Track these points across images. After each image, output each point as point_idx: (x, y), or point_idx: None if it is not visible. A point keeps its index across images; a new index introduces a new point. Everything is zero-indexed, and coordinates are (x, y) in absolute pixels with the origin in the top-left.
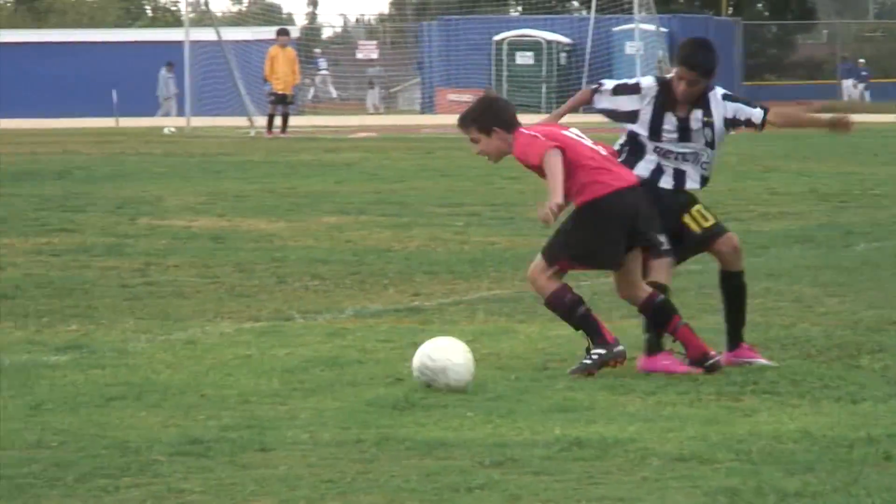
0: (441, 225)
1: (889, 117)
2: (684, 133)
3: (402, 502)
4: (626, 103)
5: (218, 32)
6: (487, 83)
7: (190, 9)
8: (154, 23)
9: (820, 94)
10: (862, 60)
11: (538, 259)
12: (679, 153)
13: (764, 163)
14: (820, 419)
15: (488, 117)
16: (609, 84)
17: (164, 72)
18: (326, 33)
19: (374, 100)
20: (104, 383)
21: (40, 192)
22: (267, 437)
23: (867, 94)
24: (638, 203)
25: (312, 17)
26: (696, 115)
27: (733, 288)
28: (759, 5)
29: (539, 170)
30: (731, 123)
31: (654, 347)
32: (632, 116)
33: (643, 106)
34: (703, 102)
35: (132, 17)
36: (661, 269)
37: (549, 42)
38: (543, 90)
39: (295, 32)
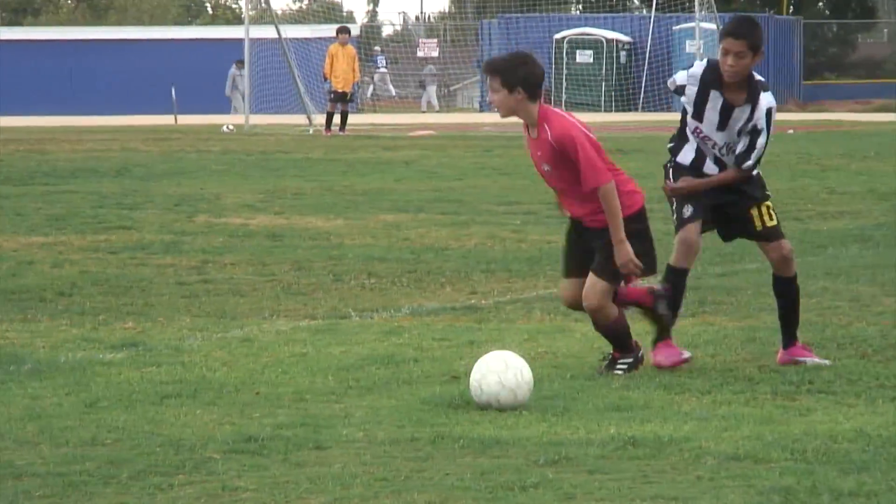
0: (498, 223)
1: None
2: (724, 116)
3: (456, 501)
4: (680, 78)
5: (278, 30)
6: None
7: (250, 6)
8: (214, 20)
9: (879, 93)
10: None
11: (599, 283)
12: (715, 142)
13: (822, 162)
14: (875, 419)
15: (519, 75)
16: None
17: (234, 69)
18: (386, 31)
19: (427, 98)
20: (159, 381)
21: (98, 190)
22: (322, 435)
23: None
24: None
25: (372, 14)
26: (744, 112)
27: (784, 292)
28: (820, 4)
29: (564, 169)
30: (751, 131)
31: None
32: (680, 90)
33: (689, 82)
34: (752, 99)
35: (192, 15)
36: None
37: (608, 40)
38: (603, 89)
39: (355, 30)
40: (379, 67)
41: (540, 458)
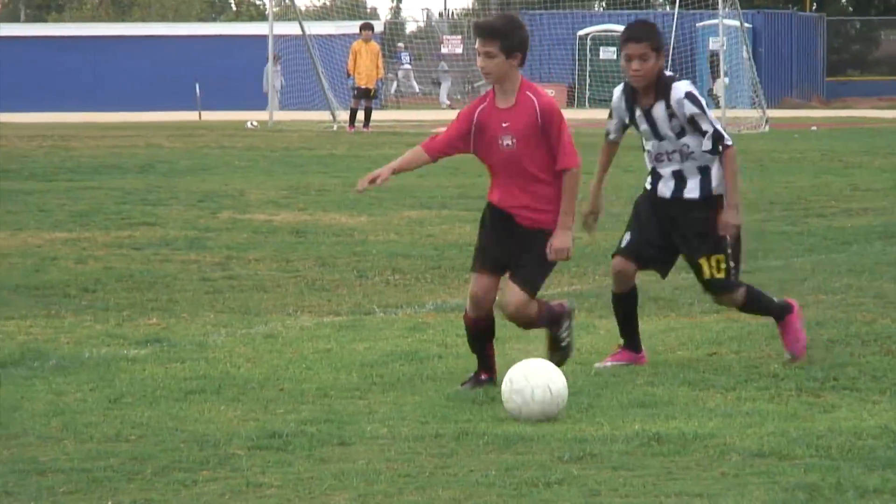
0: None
1: None
2: (653, 126)
3: (480, 497)
4: (611, 124)
5: (302, 26)
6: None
7: (274, 2)
8: (238, 17)
9: None
10: None
11: (522, 295)
12: (660, 152)
13: (846, 158)
14: None
15: (517, 39)
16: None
17: (269, 65)
18: (410, 28)
19: (445, 95)
20: (183, 377)
21: (122, 186)
22: (346, 431)
23: None
24: None
25: (396, 11)
26: (660, 108)
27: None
28: (843, 1)
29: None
30: (689, 122)
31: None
32: (618, 128)
33: (617, 115)
34: (664, 93)
35: (216, 12)
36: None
37: None
38: None
39: (378, 27)
40: (402, 64)
41: (564, 455)
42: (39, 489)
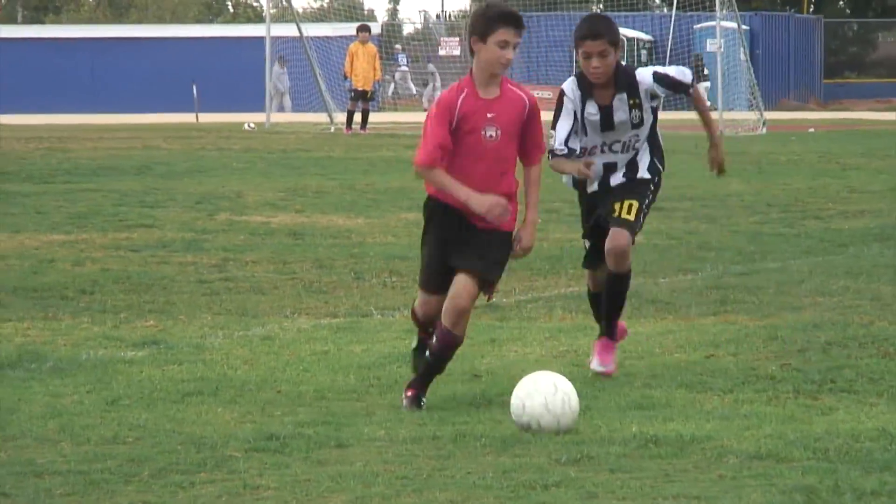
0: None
1: None
2: (607, 117)
3: (477, 499)
4: (565, 118)
5: (299, 28)
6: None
7: (271, 4)
8: (235, 18)
9: None
10: None
11: (474, 288)
12: (594, 145)
13: (843, 160)
14: None
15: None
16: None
17: (276, 67)
18: (407, 30)
19: (429, 96)
20: (180, 379)
21: (119, 188)
22: (343, 433)
23: None
24: None
25: (393, 13)
26: (621, 100)
27: (609, 285)
28: (841, 3)
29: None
30: (660, 84)
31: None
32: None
33: (576, 101)
34: (625, 84)
35: (213, 13)
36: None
37: (629, 39)
38: None
39: (375, 29)
40: (400, 66)
41: (562, 457)
42: (37, 491)
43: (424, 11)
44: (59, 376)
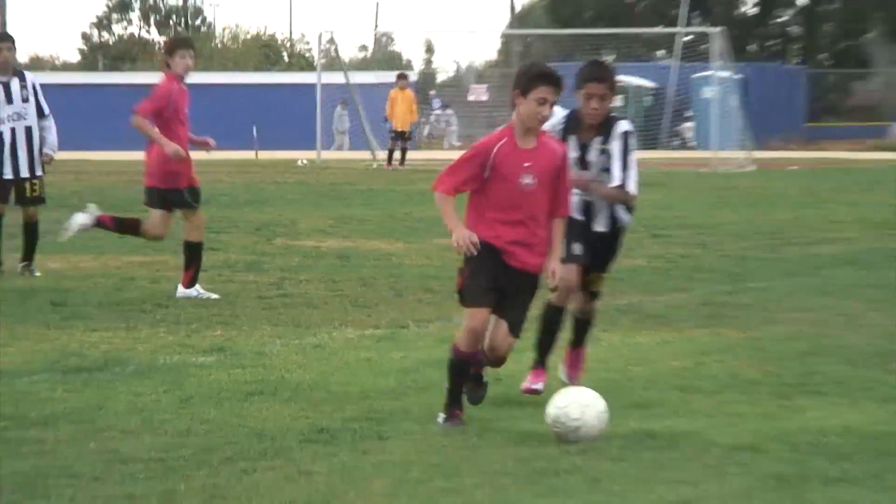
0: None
1: None
2: (582, 161)
3: (499, 483)
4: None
5: (346, 76)
6: None
7: (322, 55)
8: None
9: (873, 134)
10: None
11: (513, 341)
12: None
13: (821, 194)
14: (860, 416)
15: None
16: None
17: (339, 109)
18: (441, 77)
19: (451, 140)
20: (244, 381)
21: None
22: (384, 427)
23: None
24: None
25: (429, 62)
26: (596, 142)
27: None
28: (822, 55)
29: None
30: (620, 141)
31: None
32: None
33: (556, 130)
34: (605, 130)
35: (271, 62)
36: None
37: (635, 86)
38: None
39: (413, 76)
40: (434, 109)
41: (571, 448)
42: (122, 476)
43: (457, 62)
44: (139, 378)
